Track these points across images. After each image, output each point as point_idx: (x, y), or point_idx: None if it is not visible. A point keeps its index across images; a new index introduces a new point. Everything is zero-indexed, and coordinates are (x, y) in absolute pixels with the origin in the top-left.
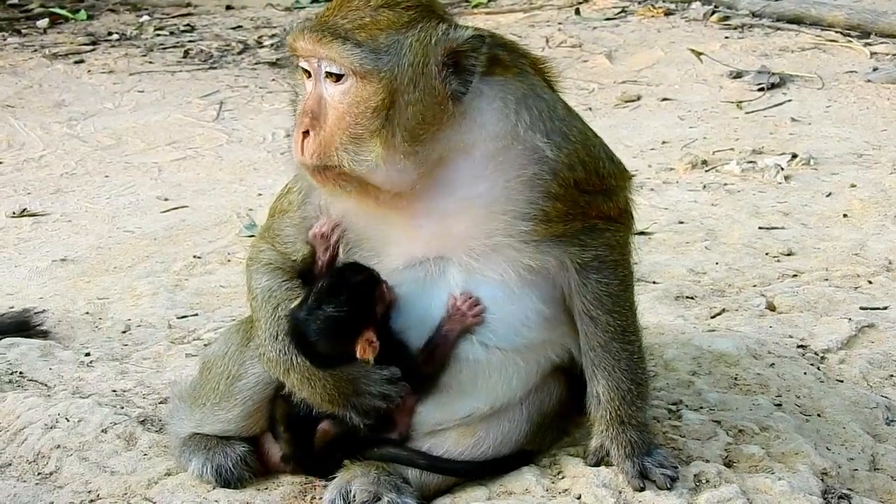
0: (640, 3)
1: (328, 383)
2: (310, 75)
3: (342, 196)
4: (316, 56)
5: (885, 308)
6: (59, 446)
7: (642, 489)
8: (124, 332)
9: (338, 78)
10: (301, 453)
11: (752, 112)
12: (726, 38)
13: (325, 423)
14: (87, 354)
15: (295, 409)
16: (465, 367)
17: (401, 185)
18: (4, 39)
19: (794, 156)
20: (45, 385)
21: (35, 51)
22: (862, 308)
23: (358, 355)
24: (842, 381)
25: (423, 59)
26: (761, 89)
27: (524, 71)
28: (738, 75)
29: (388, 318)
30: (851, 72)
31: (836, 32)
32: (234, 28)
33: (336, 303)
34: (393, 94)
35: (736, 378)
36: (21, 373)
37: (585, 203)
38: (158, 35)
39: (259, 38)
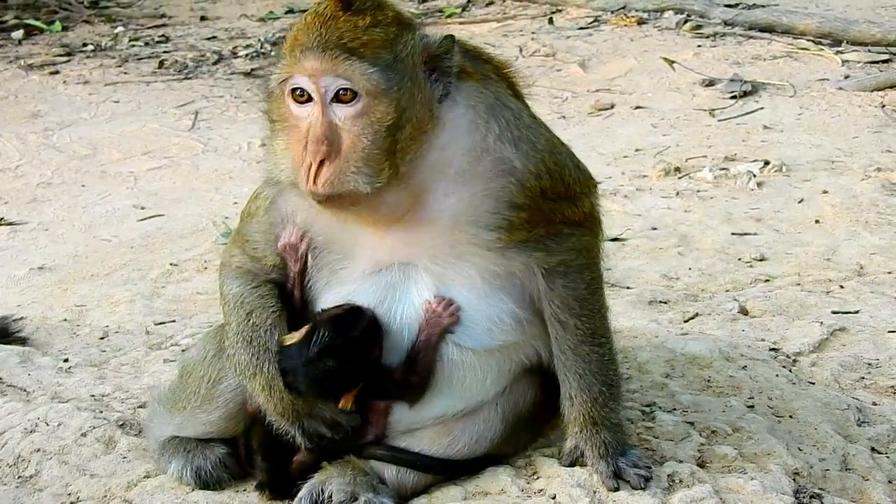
0: (612, 12)
1: (287, 397)
2: (305, 101)
3: (342, 217)
4: (332, 74)
5: (857, 312)
6: (38, 450)
7: (616, 489)
8: (102, 338)
9: (351, 99)
10: (277, 480)
11: (725, 119)
12: (699, 46)
13: (300, 454)
14: (66, 360)
15: (271, 437)
16: (440, 367)
17: (397, 201)
18: None
19: (767, 163)
20: (25, 390)
21: (10, 62)
22: (833, 312)
23: (340, 405)
24: (813, 384)
25: (414, 70)
26: (734, 97)
27: (487, 77)
28: (710, 83)
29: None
30: (823, 79)
31: (808, 41)
32: (208, 39)
33: (336, 359)
34: (401, 110)
35: (709, 380)
36: (0, 378)
37: (549, 210)
38: (133, 46)
39: (234, 48)
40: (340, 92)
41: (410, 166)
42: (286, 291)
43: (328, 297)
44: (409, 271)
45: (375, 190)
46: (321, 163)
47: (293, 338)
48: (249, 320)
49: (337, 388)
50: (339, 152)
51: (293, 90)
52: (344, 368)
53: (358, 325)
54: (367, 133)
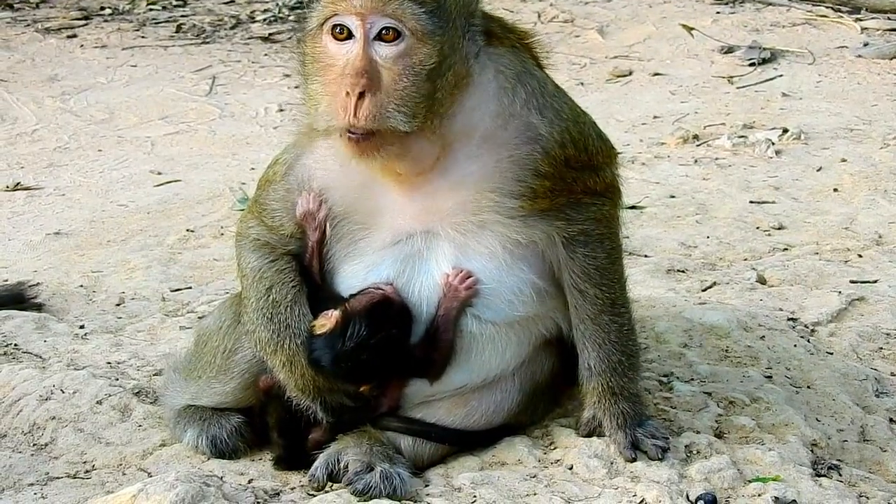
0: None
1: (308, 373)
2: (345, 38)
3: (370, 165)
4: (380, 13)
5: (875, 281)
6: (54, 417)
7: (634, 460)
8: (118, 304)
9: (393, 38)
10: (293, 455)
11: (743, 87)
12: (717, 13)
13: (314, 433)
14: (82, 327)
15: (287, 413)
16: (459, 340)
17: (424, 154)
18: None
19: (785, 130)
20: (40, 357)
21: (27, 25)
22: (852, 282)
23: (360, 389)
24: (832, 354)
25: (456, 21)
26: (752, 64)
27: (514, 45)
28: (729, 50)
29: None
30: (842, 47)
31: (827, 8)
32: (226, 3)
33: (370, 354)
34: (442, 56)
35: (727, 350)
36: (16, 345)
37: (572, 179)
38: (151, 10)
39: (251, 13)
40: (383, 31)
41: (441, 121)
42: (304, 263)
43: (347, 268)
44: (429, 241)
45: (413, 130)
46: (361, 96)
47: (324, 326)
48: (269, 296)
49: (365, 378)
50: (380, 88)
51: (333, 27)
52: (376, 361)
53: (392, 319)
54: (408, 73)
